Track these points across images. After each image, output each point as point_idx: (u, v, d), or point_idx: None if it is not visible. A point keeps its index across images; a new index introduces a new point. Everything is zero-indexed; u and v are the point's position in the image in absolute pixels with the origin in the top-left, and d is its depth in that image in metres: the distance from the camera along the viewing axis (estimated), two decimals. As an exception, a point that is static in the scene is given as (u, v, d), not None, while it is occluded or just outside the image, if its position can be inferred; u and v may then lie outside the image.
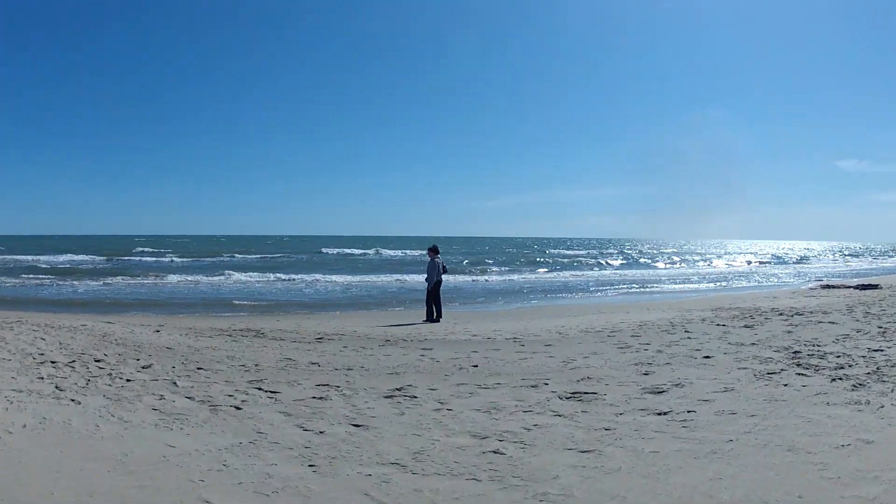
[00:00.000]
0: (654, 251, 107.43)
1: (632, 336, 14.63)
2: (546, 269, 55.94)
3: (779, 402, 7.85)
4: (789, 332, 14.13)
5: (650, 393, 8.53)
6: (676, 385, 8.90)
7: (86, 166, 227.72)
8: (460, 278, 42.20)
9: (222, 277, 38.77)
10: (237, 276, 39.47)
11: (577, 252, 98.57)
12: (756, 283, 41.45)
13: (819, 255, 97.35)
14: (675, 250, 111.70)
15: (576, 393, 8.77)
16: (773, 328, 14.89)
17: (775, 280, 44.84)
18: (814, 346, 11.98)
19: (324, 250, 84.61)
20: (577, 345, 13.58)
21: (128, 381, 9.39)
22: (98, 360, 10.74)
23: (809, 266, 67.22)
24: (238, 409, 7.99)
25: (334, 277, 39.79)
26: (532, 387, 9.34)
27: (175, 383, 9.33)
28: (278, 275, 39.46)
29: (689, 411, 7.48)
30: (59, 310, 22.88)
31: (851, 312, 17.82)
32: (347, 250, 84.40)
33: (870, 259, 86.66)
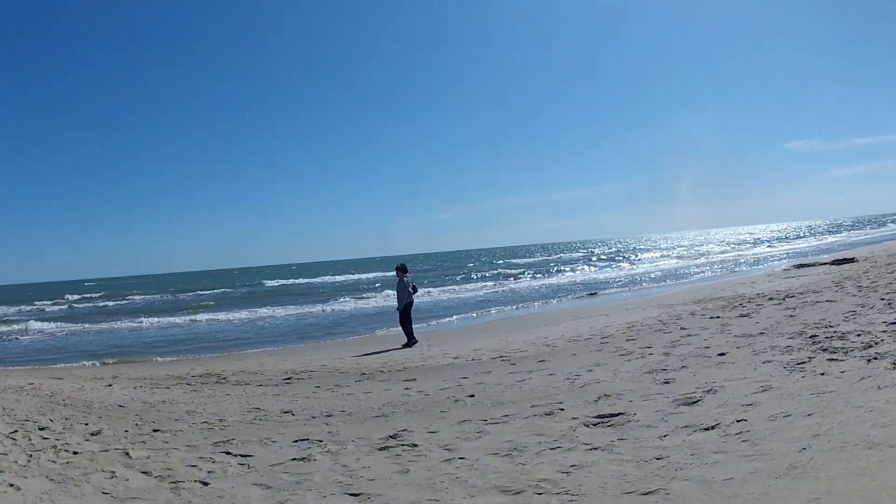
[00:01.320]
0: (616, 250, 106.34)
1: (627, 340, 13.66)
2: (503, 279, 54.62)
3: (827, 394, 7.11)
4: (791, 316, 13.59)
5: (684, 405, 7.55)
6: (708, 391, 7.97)
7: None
8: (418, 296, 40.11)
9: (174, 318, 36.50)
10: (189, 316, 37.08)
11: (535, 259, 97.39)
12: (726, 272, 40.72)
13: (782, 237, 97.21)
14: (639, 247, 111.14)
15: (601, 417, 7.55)
16: (771, 314, 14.34)
17: (745, 266, 43.91)
18: (826, 327, 11.45)
19: (265, 282, 79.93)
20: (572, 357, 12.54)
21: (75, 453, 7.73)
22: (43, 428, 9.05)
23: (776, 248, 66.64)
24: (204, 484, 6.40)
25: (288, 309, 37.59)
26: (547, 414, 8.04)
27: (128, 454, 7.65)
28: (233, 312, 37.14)
29: (738, 421, 6.56)
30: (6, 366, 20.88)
31: (842, 288, 17.51)
32: (291, 280, 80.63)
33: (833, 235, 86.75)
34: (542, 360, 12.54)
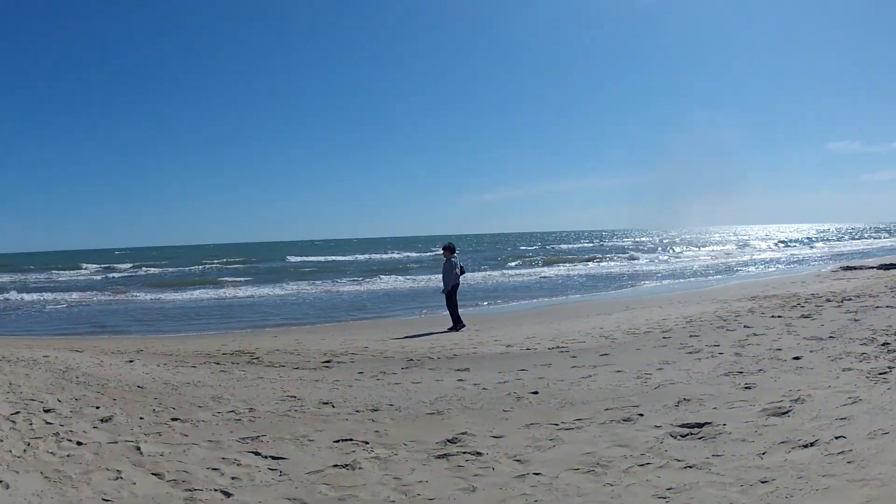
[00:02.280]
0: (655, 242, 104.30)
1: (690, 336, 12.81)
2: (548, 265, 53.31)
3: (919, 409, 6.44)
4: (856, 320, 12.96)
5: (773, 415, 6.75)
6: (795, 401, 7.20)
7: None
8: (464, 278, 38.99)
9: (205, 291, 35.61)
10: (217, 290, 36.39)
11: (580, 245, 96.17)
12: (771, 270, 39.60)
13: (819, 237, 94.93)
14: (677, 240, 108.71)
15: (687, 426, 6.63)
16: (833, 317, 13.71)
17: (788, 265, 42.54)
18: (895, 334, 10.89)
19: (290, 258, 76.48)
20: (636, 352, 11.57)
21: (79, 444, 6.72)
22: (48, 411, 8.09)
23: (815, 250, 64.66)
24: (226, 495, 5.34)
25: (322, 285, 36.80)
26: (625, 420, 7.05)
27: (139, 448, 6.57)
28: (264, 287, 36.29)
29: (837, 438, 5.88)
30: (32, 334, 20.11)
31: None
32: (323, 257, 77.85)
33: (870, 239, 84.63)
34: (605, 354, 11.55)
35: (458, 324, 17.36)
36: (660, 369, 9.76)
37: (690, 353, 10.96)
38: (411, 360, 11.91)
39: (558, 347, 12.74)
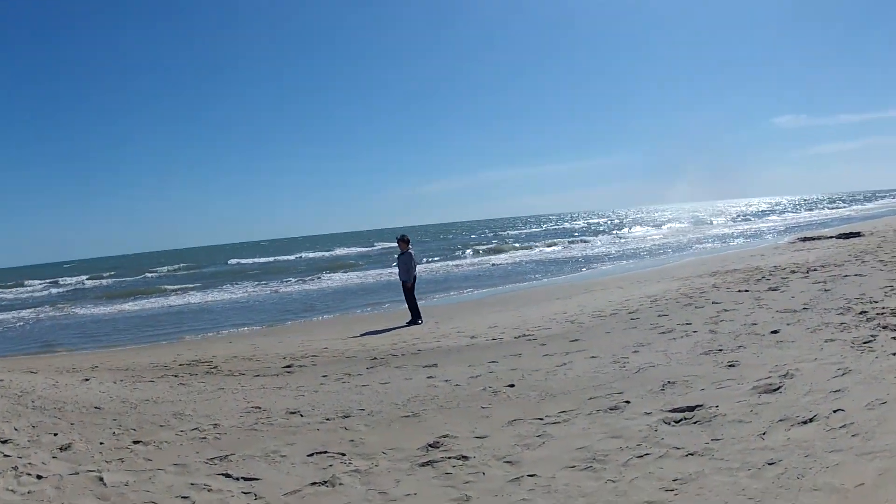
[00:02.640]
0: (609, 222, 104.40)
1: (659, 316, 12.58)
2: (497, 252, 52.84)
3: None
4: (826, 290, 12.85)
5: (764, 393, 6.51)
6: (784, 376, 6.97)
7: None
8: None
9: (153, 299, 34.43)
10: (163, 298, 35.13)
11: (528, 231, 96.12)
12: (726, 244, 39.71)
13: (772, 210, 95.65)
14: (628, 220, 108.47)
15: (678, 411, 6.31)
16: (803, 288, 13.60)
17: (744, 239, 42.67)
18: (870, 302, 10.76)
19: (238, 260, 73.85)
20: (606, 336, 11.26)
21: (39, 477, 6.06)
22: (5, 441, 7.36)
23: (769, 223, 65.00)
24: (200, 527, 4.76)
25: (269, 286, 35.96)
26: (613, 409, 6.68)
27: (102, 479, 5.92)
28: (210, 292, 35.22)
29: (836, 411, 5.71)
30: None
31: (864, 262, 16.96)
32: (265, 258, 75.08)
33: (826, 210, 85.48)
34: (575, 340, 11.18)
35: (417, 317, 16.88)
36: (636, 352, 9.45)
37: (663, 333, 10.69)
38: (375, 358, 11.41)
39: (525, 335, 12.40)
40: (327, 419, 7.33)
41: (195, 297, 33.21)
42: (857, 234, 28.34)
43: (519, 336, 12.38)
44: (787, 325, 9.82)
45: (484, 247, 61.13)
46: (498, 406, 7.32)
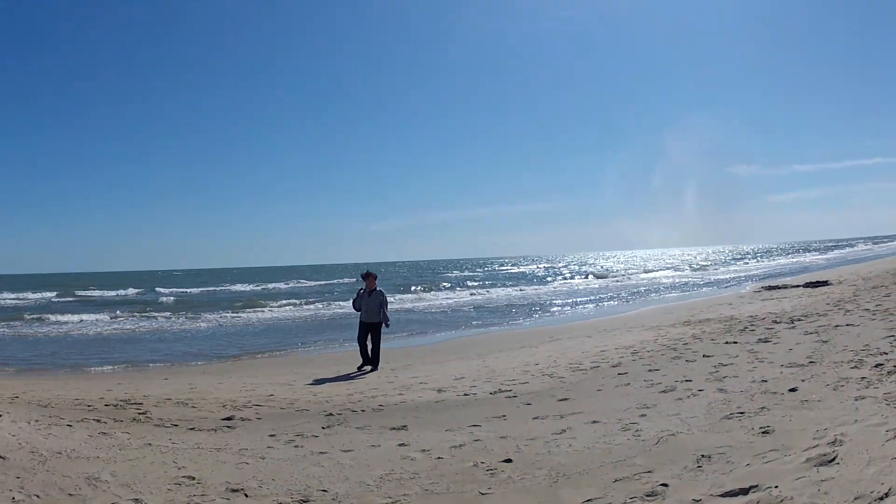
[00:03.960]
0: (548, 268, 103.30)
1: (650, 371, 11.50)
2: (449, 290, 51.41)
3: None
4: (823, 342, 12.11)
5: (820, 465, 5.34)
6: (832, 443, 5.85)
7: None
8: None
9: (87, 317, 32.02)
10: (91, 317, 32.64)
11: (477, 273, 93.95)
12: (686, 292, 38.65)
13: (726, 260, 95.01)
14: (571, 266, 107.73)
15: (732, 495, 5.05)
16: (796, 339, 12.89)
17: (705, 288, 41.57)
18: (880, 354, 10.08)
19: (159, 289, 66.52)
20: (599, 394, 9.99)
21: None
22: None
23: (729, 271, 64.36)
24: None
25: (209, 317, 33.54)
26: (650, 497, 5.26)
27: None
28: (144, 320, 32.63)
29: None
30: None
31: (847, 311, 16.41)
32: (192, 289, 68.58)
33: (782, 259, 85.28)
34: (565, 399, 9.75)
35: (375, 363, 15.25)
36: (643, 416, 8.11)
37: (665, 392, 9.47)
38: (330, 414, 9.64)
39: (501, 391, 10.93)
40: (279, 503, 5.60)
41: (125, 325, 30.62)
42: (825, 283, 28.10)
43: (495, 392, 10.88)
44: (802, 381, 8.89)
45: (434, 285, 59.41)
46: (501, 491, 5.74)
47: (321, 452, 7.23)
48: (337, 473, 6.39)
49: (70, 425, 8.61)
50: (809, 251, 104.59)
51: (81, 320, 31.24)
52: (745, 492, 5.02)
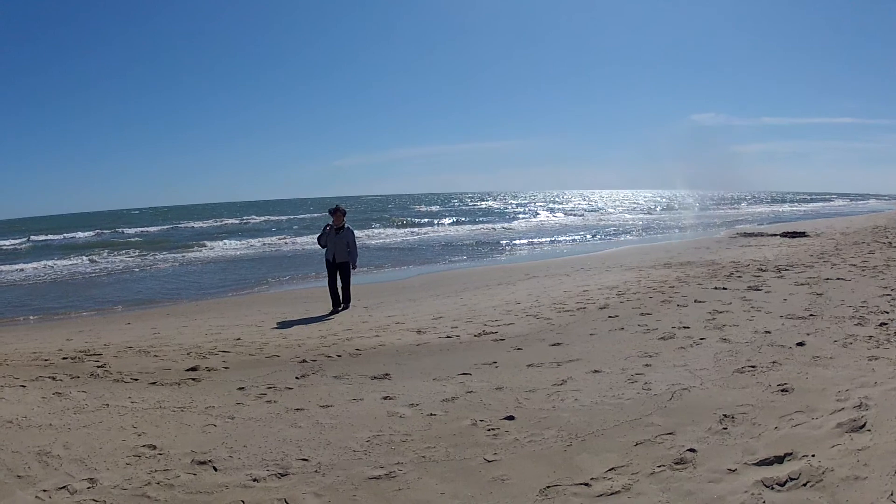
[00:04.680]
0: (515, 205, 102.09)
1: (642, 315, 10.88)
2: (417, 227, 50.10)
3: None
4: (818, 294, 11.81)
5: (851, 431, 5.01)
6: (858, 407, 5.52)
7: None
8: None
9: (42, 263, 29.98)
10: (55, 261, 30.42)
11: (442, 208, 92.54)
12: (662, 234, 37.93)
13: (692, 204, 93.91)
14: (544, 204, 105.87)
15: (767, 464, 4.62)
16: (789, 290, 12.53)
17: (676, 231, 40.96)
18: (881, 312, 9.80)
19: (119, 230, 61.75)
20: (592, 339, 9.34)
21: None
22: None
23: (700, 216, 63.77)
24: None
25: (170, 254, 32.41)
26: (679, 464, 4.73)
27: None
28: (102, 259, 31.38)
29: None
30: None
31: (834, 265, 16.14)
32: (154, 228, 64.16)
33: (750, 208, 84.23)
34: (557, 344, 9.04)
35: (347, 302, 14.36)
36: (647, 366, 7.55)
37: (663, 339, 8.90)
38: (304, 361, 8.75)
39: (485, 333, 10.19)
40: (255, 480, 4.74)
41: (89, 267, 29.26)
42: (803, 234, 28.00)
43: (479, 334, 10.12)
44: (808, 335, 8.47)
45: (399, 222, 58.15)
46: (508, 458, 5.01)
47: (297, 409, 6.42)
48: (317, 436, 5.60)
49: (24, 385, 7.75)
50: (784, 202, 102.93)
51: (44, 266, 29.16)
52: (780, 460, 4.62)
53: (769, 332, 8.78)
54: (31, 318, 15.54)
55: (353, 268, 14.44)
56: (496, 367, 7.89)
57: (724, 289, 12.97)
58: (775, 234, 28.79)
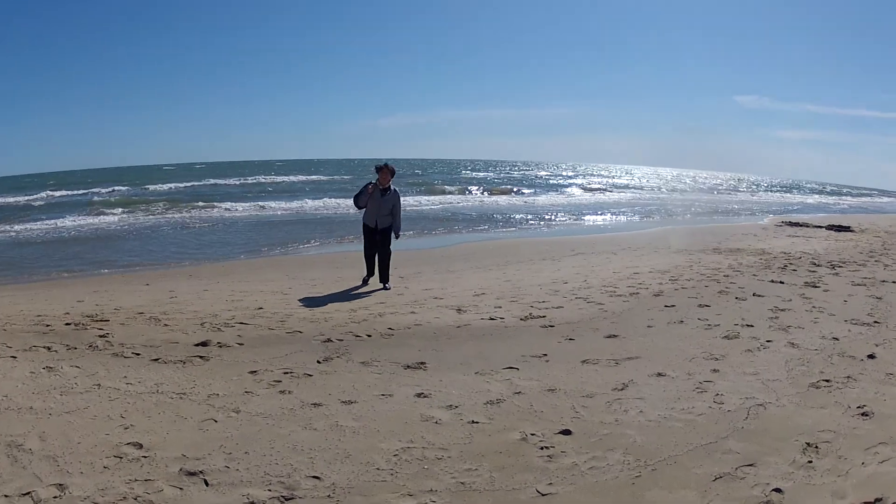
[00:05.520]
0: (571, 175, 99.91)
1: (700, 307, 9.94)
2: (458, 193, 48.77)
3: None
4: (877, 298, 10.85)
5: None
6: None
7: None
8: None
9: (84, 218, 29.04)
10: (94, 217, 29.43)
11: (488, 174, 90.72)
12: (706, 217, 36.25)
13: (733, 187, 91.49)
14: (594, 174, 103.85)
15: None
16: (847, 290, 11.55)
17: (718, 216, 39.42)
18: None
19: (148, 186, 57.14)
20: (650, 332, 8.43)
21: None
22: None
23: (741, 197, 62.13)
24: None
25: (205, 211, 31.37)
26: (758, 499, 4.08)
27: None
28: (139, 214, 30.28)
29: None
30: None
31: (887, 266, 15.03)
32: (193, 183, 61.01)
33: (789, 195, 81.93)
34: (613, 336, 8.11)
35: (385, 280, 12.42)
36: (715, 371, 6.66)
37: (727, 338, 8.00)
38: (329, 340, 7.86)
39: (532, 316, 9.24)
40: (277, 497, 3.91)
41: (117, 218, 28.40)
42: (848, 228, 26.88)
43: (526, 317, 9.17)
44: (877, 346, 7.69)
45: (442, 188, 56.80)
46: (566, 489, 4.20)
47: (315, 404, 5.53)
48: (335, 444, 4.72)
49: (14, 357, 6.93)
50: (815, 192, 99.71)
51: (68, 221, 27.93)
52: (876, 505, 3.86)
53: (837, 340, 7.96)
54: (46, 276, 14.60)
55: (396, 237, 12.66)
56: (546, 361, 7.00)
57: (782, 283, 12.16)
58: (820, 226, 27.76)
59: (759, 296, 10.78)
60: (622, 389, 6.01)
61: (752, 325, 8.64)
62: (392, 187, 12.36)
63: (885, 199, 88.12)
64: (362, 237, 12.67)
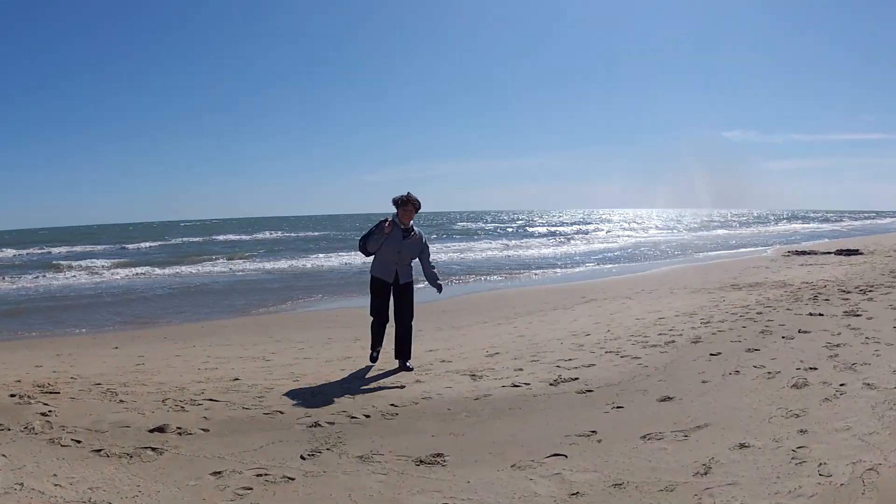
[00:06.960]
0: (561, 222, 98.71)
1: (748, 351, 8.77)
2: (454, 242, 47.77)
3: None
4: None
5: None
6: None
7: None
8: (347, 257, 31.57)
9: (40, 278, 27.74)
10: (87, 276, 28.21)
11: (481, 225, 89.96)
12: (709, 253, 35.07)
13: (730, 222, 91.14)
14: (586, 220, 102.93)
15: None
16: (890, 315, 10.87)
17: (721, 251, 38.33)
18: None
19: (133, 245, 55.72)
20: (708, 389, 7.05)
21: None
22: None
23: (740, 231, 61.43)
24: None
25: (189, 268, 30.15)
26: None
27: None
28: (130, 267, 29.58)
29: None
30: None
31: None
32: (189, 239, 62.85)
33: (793, 224, 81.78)
34: (668, 400, 6.69)
35: (405, 359, 9.00)
36: (803, 432, 5.42)
37: (796, 387, 6.83)
38: (317, 424, 6.21)
39: (563, 379, 7.73)
40: None
41: (105, 275, 27.01)
42: (857, 252, 26.84)
43: (556, 381, 7.68)
44: None
45: (437, 236, 55.74)
46: None
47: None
48: None
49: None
50: (812, 220, 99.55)
51: (54, 276, 27.11)
52: None
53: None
54: (14, 336, 13.61)
55: (439, 290, 9.59)
56: (598, 441, 5.52)
57: (821, 315, 11.26)
58: (828, 252, 27.67)
59: (805, 332, 9.77)
60: (706, 474, 4.62)
61: (815, 368, 7.57)
62: (415, 228, 9.04)
63: (887, 220, 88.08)
64: (370, 296, 9.11)
